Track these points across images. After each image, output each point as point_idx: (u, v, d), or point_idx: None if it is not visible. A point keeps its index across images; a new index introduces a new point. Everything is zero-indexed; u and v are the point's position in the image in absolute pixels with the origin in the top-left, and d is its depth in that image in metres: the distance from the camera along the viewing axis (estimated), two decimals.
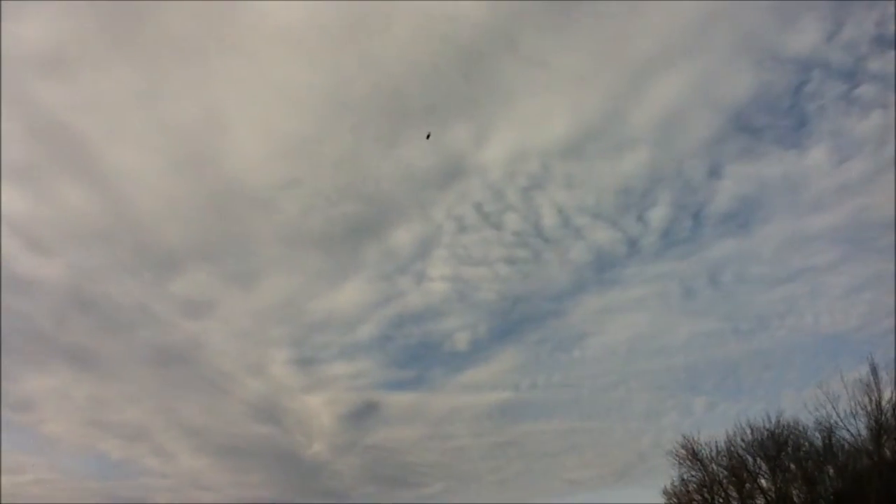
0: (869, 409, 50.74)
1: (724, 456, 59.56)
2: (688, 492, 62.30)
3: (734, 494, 58.88)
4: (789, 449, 55.87)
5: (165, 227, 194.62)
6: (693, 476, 61.84)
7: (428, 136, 64.96)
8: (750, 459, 57.95)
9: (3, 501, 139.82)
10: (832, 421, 53.23)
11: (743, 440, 58.06)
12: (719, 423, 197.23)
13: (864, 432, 51.69)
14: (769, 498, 56.72)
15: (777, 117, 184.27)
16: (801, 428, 56.05)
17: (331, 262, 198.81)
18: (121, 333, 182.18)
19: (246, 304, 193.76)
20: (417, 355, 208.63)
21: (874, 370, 50.61)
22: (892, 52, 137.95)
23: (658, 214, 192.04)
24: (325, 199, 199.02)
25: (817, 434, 54.89)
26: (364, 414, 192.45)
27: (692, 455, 61.16)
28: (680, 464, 62.08)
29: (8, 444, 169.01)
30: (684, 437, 62.59)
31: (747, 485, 58.00)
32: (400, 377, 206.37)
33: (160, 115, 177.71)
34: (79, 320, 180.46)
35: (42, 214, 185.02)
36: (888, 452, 50.22)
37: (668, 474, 65.01)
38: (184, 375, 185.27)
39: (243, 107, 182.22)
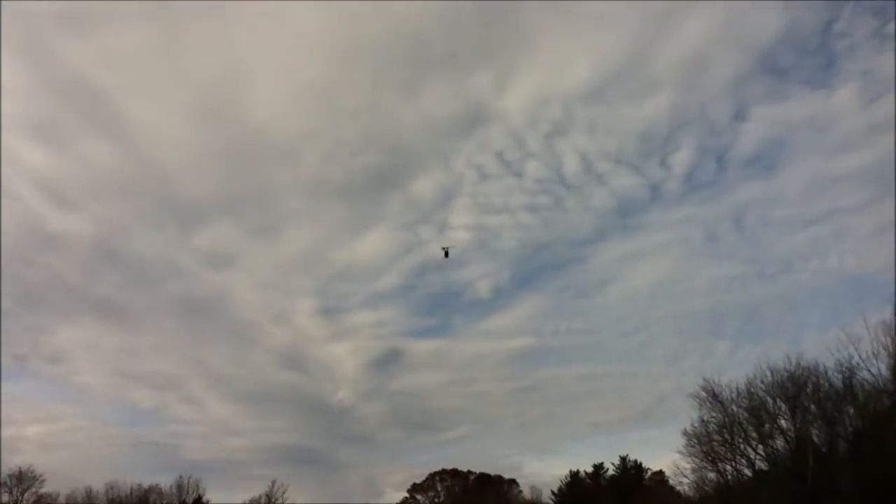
0: (891, 349, 50.30)
1: (745, 398, 59.68)
2: (707, 433, 62.57)
3: (753, 435, 58.99)
4: (809, 390, 55.72)
5: (188, 180, 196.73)
6: (713, 417, 62.14)
7: (446, 255, 55.15)
8: (770, 401, 58.00)
9: (38, 449, 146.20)
10: (853, 362, 53.05)
11: (763, 382, 58.13)
12: (740, 366, 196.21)
13: (884, 373, 51.37)
14: (788, 438, 56.79)
15: (805, 57, 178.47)
16: (821, 369, 55.99)
17: (353, 213, 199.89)
18: (147, 286, 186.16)
19: (269, 255, 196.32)
20: (440, 303, 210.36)
21: None
22: None
23: (681, 159, 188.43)
24: (345, 149, 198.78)
25: (838, 375, 54.75)
26: (388, 361, 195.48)
27: (713, 397, 61.36)
28: (700, 405, 62.38)
29: (42, 394, 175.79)
30: (705, 380, 62.76)
31: (767, 425, 58.06)
32: (423, 325, 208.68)
33: (180, 68, 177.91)
34: (106, 274, 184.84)
35: (66, 170, 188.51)
36: None
37: (688, 416, 65.44)
38: (210, 326, 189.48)
39: (262, 57, 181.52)
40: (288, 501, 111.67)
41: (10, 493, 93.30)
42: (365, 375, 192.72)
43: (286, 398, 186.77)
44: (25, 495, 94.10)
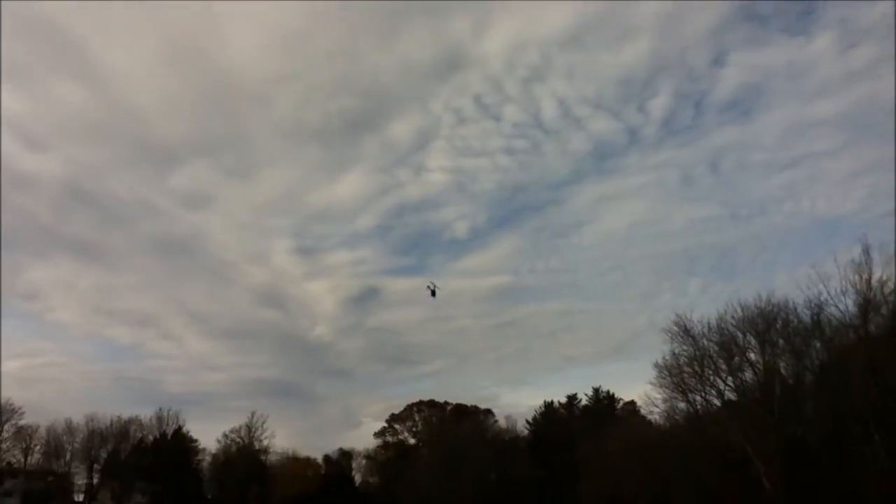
0: (859, 286, 51.33)
1: (715, 332, 60.88)
2: (679, 365, 64.00)
3: (723, 367, 60.47)
4: (778, 325, 57.06)
5: (162, 122, 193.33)
6: (684, 351, 63.43)
7: (433, 293, 56.71)
8: (740, 335, 59.27)
9: (16, 383, 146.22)
10: (822, 299, 54.23)
11: (734, 318, 59.30)
12: (713, 303, 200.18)
13: (852, 309, 52.71)
14: (757, 370, 58.39)
15: (784, 4, 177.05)
16: (791, 306, 57.30)
17: (329, 155, 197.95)
18: (123, 226, 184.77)
19: (246, 196, 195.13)
20: (417, 243, 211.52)
21: (867, 250, 51.16)
22: None
23: (659, 104, 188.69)
24: (321, 92, 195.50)
25: (806, 311, 56.09)
26: (366, 299, 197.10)
27: (684, 331, 62.50)
28: (672, 340, 63.58)
29: (19, 331, 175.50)
30: (677, 316, 63.83)
31: (736, 358, 59.49)
32: (400, 264, 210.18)
33: (151, 11, 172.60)
34: (80, 214, 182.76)
35: (38, 112, 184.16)
36: (873, 327, 51.08)
37: (660, 350, 66.72)
38: (187, 265, 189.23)
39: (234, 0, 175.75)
40: (268, 431, 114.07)
41: None
42: (343, 312, 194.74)
43: (265, 335, 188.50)
44: (5, 427, 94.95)
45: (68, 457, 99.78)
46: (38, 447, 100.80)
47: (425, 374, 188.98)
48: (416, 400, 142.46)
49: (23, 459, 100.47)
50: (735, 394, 60.73)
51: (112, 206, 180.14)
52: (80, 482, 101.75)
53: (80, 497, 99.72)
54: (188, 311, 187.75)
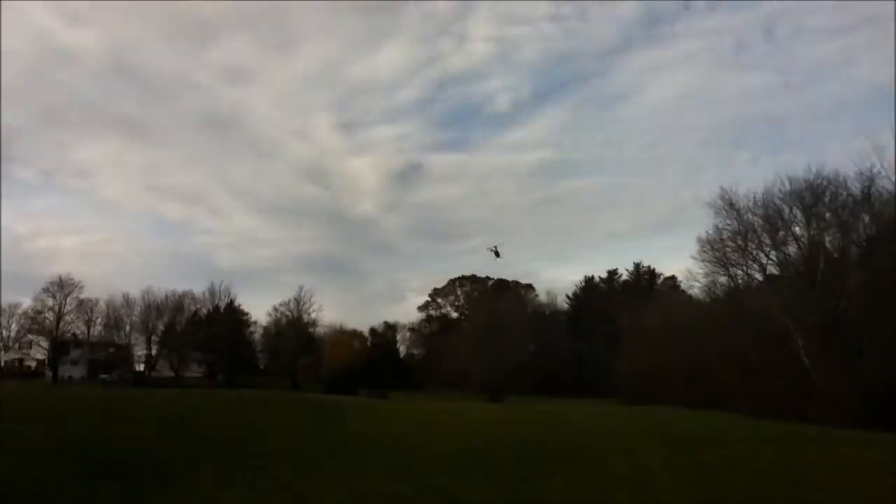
0: None
1: (761, 206, 59.73)
2: (721, 239, 63.47)
3: (767, 242, 59.86)
4: (826, 198, 55.57)
5: None
6: (728, 225, 62.69)
7: (497, 255, 51.02)
8: (786, 209, 58.07)
9: (74, 259, 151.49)
10: (874, 171, 52.35)
11: (781, 191, 57.84)
12: (760, 177, 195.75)
13: None
14: (801, 244, 57.65)
15: None
16: (840, 179, 55.38)
17: (369, 26, 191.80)
18: (166, 101, 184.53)
19: (286, 70, 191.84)
20: (459, 118, 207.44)
21: None
22: None
23: None
24: None
25: (857, 184, 54.26)
26: (409, 175, 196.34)
27: (729, 205, 61.50)
28: (716, 214, 62.73)
29: (73, 208, 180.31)
30: (722, 189, 62.74)
31: (781, 232, 58.69)
32: (442, 139, 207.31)
33: None
34: (122, 89, 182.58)
35: None
36: None
37: (704, 225, 66.25)
38: (231, 141, 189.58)
39: None
40: (315, 305, 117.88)
41: (54, 297, 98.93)
42: (386, 188, 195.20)
43: (309, 210, 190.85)
44: (67, 300, 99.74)
45: (127, 329, 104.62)
46: (99, 319, 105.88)
47: (467, 249, 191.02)
48: (458, 275, 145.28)
49: (86, 331, 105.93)
50: (777, 268, 60.41)
51: (154, 81, 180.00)
52: (139, 353, 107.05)
53: (141, 366, 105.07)
54: (234, 188, 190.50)
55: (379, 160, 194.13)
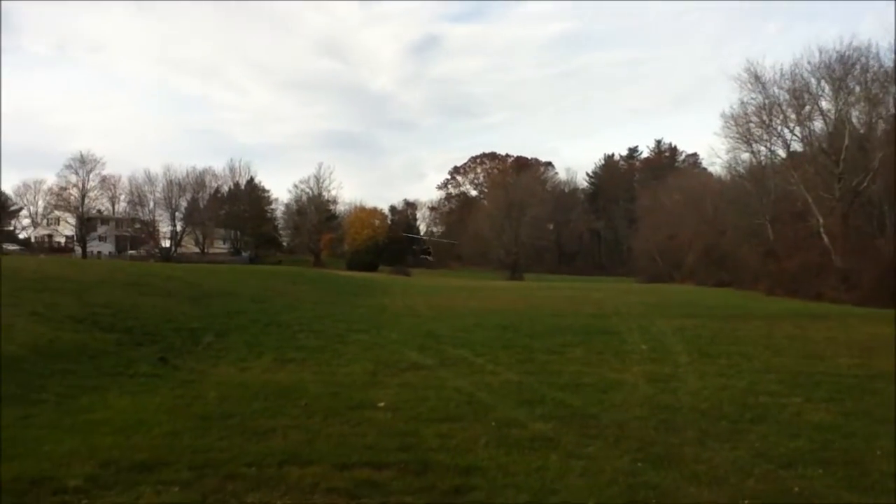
0: None
1: (788, 79, 58.04)
2: (746, 114, 62.20)
3: (792, 116, 58.61)
4: (856, 71, 53.81)
5: None
6: (753, 99, 61.23)
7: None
8: (814, 82, 56.47)
9: (93, 135, 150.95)
10: None
11: (810, 63, 56.01)
12: (788, 51, 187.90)
13: None
14: (827, 119, 56.49)
15: None
16: (873, 50, 53.42)
17: None
18: None
19: None
20: None
21: None
22: None
23: None
24: None
25: (890, 55, 52.46)
26: (426, 47, 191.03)
27: (754, 78, 59.80)
28: (741, 87, 61.15)
29: (89, 84, 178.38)
30: (748, 62, 60.96)
31: (807, 107, 57.32)
32: (460, 9, 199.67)
33: None
34: None
35: None
36: None
37: (727, 100, 64.73)
38: (246, 11, 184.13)
39: None
40: (335, 182, 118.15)
41: (77, 173, 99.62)
42: (403, 62, 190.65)
43: (326, 86, 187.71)
44: (90, 176, 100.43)
45: (151, 205, 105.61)
46: (122, 196, 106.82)
47: (487, 126, 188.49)
48: (477, 153, 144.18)
49: (111, 207, 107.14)
50: (801, 144, 59.45)
51: None
52: (164, 229, 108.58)
53: (167, 243, 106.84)
54: (249, 61, 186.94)
55: (395, 31, 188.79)
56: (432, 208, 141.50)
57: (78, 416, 8.92)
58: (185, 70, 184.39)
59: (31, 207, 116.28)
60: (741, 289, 53.94)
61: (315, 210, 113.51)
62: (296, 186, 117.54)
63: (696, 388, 11.71)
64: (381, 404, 10.12)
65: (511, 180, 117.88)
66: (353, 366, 14.04)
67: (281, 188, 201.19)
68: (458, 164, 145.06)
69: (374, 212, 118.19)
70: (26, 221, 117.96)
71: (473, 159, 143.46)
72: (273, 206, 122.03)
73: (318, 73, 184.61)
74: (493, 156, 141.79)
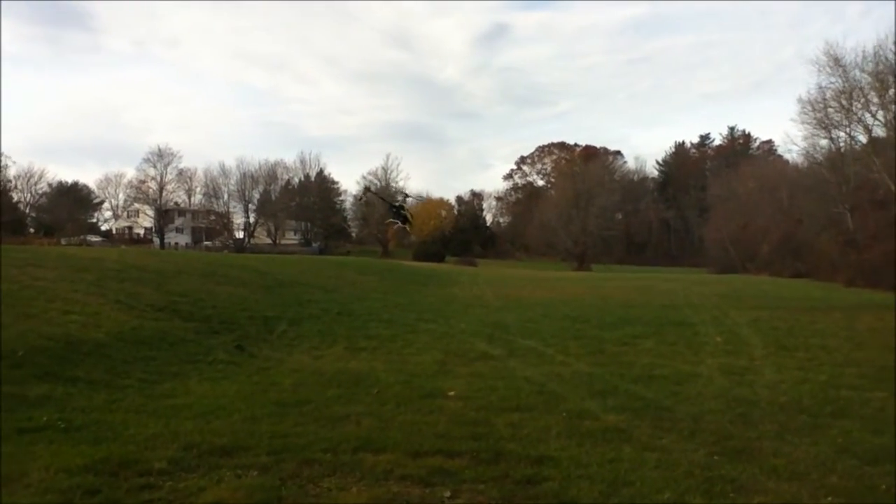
0: None
1: (871, 61, 55.26)
2: (824, 99, 59.59)
3: (875, 100, 55.92)
4: None
5: None
6: (832, 83, 58.72)
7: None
8: None
9: (169, 129, 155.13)
10: None
11: (894, 44, 53.38)
12: (871, 33, 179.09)
13: None
14: None
15: None
16: None
17: None
18: None
19: None
20: None
21: None
22: None
23: None
24: None
25: None
26: (493, 36, 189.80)
27: (834, 61, 57.18)
28: (819, 71, 58.47)
29: (166, 79, 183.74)
30: (827, 44, 58.38)
31: (891, 90, 54.65)
32: None
33: None
34: None
35: None
36: None
37: (805, 85, 62.51)
38: (315, 4, 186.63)
39: None
40: (403, 173, 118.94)
41: (155, 167, 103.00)
42: (470, 51, 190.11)
43: (394, 77, 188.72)
44: (167, 169, 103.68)
45: (226, 197, 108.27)
46: (198, 188, 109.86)
47: (554, 115, 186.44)
48: (545, 142, 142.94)
49: (187, 200, 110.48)
50: (884, 129, 56.85)
51: None
52: (238, 221, 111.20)
53: (240, 234, 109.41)
54: (319, 54, 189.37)
55: (463, 21, 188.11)
56: (498, 198, 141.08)
57: (160, 401, 9.29)
58: (257, 64, 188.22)
59: (113, 200, 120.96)
60: (819, 280, 52.17)
61: (383, 201, 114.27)
62: (364, 178, 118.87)
63: (773, 382, 11.44)
64: (452, 393, 10.20)
65: (579, 169, 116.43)
66: (424, 355, 14.19)
67: (349, 179, 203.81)
68: (525, 154, 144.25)
69: (441, 202, 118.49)
70: (108, 214, 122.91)
71: (541, 149, 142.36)
72: (342, 197, 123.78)
73: (386, 64, 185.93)
74: (561, 145, 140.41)
